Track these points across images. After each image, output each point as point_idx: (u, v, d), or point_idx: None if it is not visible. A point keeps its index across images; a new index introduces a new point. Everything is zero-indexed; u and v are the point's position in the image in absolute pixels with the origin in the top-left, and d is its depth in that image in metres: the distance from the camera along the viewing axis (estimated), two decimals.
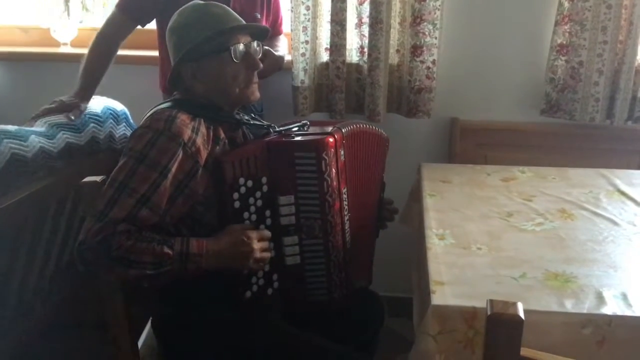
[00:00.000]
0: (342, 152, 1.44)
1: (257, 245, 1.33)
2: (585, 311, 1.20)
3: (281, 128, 1.49)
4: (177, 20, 1.43)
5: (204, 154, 1.33)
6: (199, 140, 1.33)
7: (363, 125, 1.57)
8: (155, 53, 2.07)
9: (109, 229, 1.21)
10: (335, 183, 1.41)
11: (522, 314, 0.84)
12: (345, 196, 1.45)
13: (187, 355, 1.43)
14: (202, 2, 1.46)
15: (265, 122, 1.52)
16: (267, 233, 1.38)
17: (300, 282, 1.44)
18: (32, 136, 1.53)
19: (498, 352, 0.85)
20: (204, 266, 1.29)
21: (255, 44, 1.44)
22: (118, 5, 1.90)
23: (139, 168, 1.26)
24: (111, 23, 1.90)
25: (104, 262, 1.21)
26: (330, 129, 1.45)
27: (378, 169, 1.63)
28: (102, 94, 1.87)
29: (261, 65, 1.44)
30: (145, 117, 1.38)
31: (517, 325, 0.84)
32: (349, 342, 1.49)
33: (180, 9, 1.44)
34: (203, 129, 1.35)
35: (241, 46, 1.40)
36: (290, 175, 1.39)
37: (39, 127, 1.62)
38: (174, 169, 1.28)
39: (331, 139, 1.41)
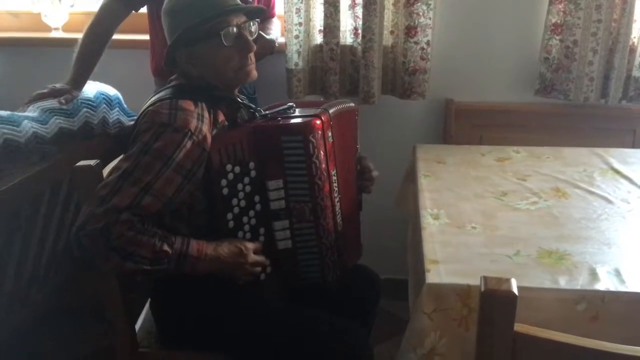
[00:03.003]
0: (329, 134, 1.42)
1: (252, 258, 1.35)
2: (578, 287, 1.21)
3: (267, 112, 1.47)
4: (168, 3, 1.42)
5: (209, 140, 1.33)
6: (205, 128, 1.32)
7: (343, 104, 1.55)
8: (146, 37, 2.06)
9: (112, 216, 1.19)
10: (324, 165, 1.39)
11: (515, 290, 0.84)
12: (334, 178, 1.45)
13: (185, 339, 1.43)
14: None
15: (252, 105, 1.50)
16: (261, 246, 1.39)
17: (293, 266, 1.44)
18: (25, 121, 1.53)
19: (492, 327, 0.85)
20: (200, 269, 1.30)
21: (250, 24, 1.42)
22: None
23: (143, 158, 1.25)
24: (104, 10, 1.88)
25: (102, 250, 1.20)
26: (317, 110, 1.43)
27: (355, 144, 1.63)
28: (93, 79, 1.86)
29: (254, 46, 1.42)
30: (147, 107, 1.37)
31: (510, 301, 0.84)
32: (346, 316, 1.50)
33: None
34: (206, 114, 1.35)
35: (233, 29, 1.38)
36: (277, 159, 1.38)
37: (32, 112, 1.61)
38: (179, 159, 1.27)
39: (318, 121, 1.39)
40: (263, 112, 1.47)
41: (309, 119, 1.40)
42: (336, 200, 1.46)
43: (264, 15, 1.51)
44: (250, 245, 1.36)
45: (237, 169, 1.34)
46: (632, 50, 2.11)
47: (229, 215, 1.35)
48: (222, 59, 1.38)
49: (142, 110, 1.39)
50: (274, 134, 1.38)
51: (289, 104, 1.48)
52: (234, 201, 1.35)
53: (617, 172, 1.82)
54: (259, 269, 1.39)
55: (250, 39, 1.41)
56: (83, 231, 1.19)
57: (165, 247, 1.24)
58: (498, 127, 2.27)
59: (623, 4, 2.05)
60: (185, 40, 1.37)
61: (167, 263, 1.25)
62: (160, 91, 1.42)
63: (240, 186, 1.36)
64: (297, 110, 1.47)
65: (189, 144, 1.28)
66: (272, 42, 2.02)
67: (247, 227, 1.39)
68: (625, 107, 2.20)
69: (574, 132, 2.22)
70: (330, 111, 1.45)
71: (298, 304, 1.46)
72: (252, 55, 1.43)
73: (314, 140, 1.37)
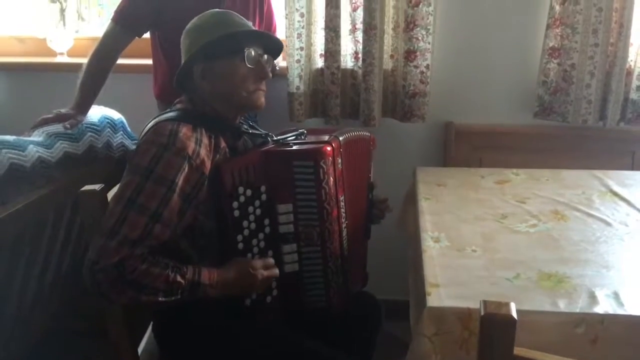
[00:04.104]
0: (339, 161, 1.46)
1: (261, 274, 1.36)
2: (578, 310, 1.22)
3: (279, 137, 1.50)
4: (194, 22, 1.45)
5: (208, 164, 1.34)
6: (203, 152, 1.33)
7: (357, 132, 1.59)
8: (149, 61, 2.09)
9: (126, 250, 1.20)
10: (333, 191, 1.42)
11: (514, 314, 0.85)
12: (342, 204, 1.47)
13: None
14: (221, 10, 1.48)
15: (263, 131, 1.53)
16: (271, 261, 1.40)
17: (299, 290, 1.45)
18: (31, 146, 1.55)
19: (492, 351, 0.86)
20: (212, 295, 1.31)
21: (265, 57, 1.45)
22: (114, 19, 1.91)
23: (146, 184, 1.25)
24: (108, 36, 1.91)
25: (117, 284, 1.21)
26: (327, 137, 1.47)
27: (367, 172, 1.66)
28: (97, 103, 1.88)
29: (270, 75, 1.46)
30: (147, 129, 1.38)
31: (510, 325, 0.85)
32: (347, 344, 1.50)
33: (200, 14, 1.46)
34: (205, 139, 1.36)
35: (256, 53, 1.42)
36: (288, 183, 1.40)
37: (37, 136, 1.63)
38: (180, 183, 1.28)
39: (329, 148, 1.42)
40: (275, 138, 1.50)
41: (320, 145, 1.43)
42: (343, 225, 1.48)
43: (280, 53, 1.55)
44: (257, 264, 1.36)
45: (249, 191, 1.37)
46: (629, 73, 2.14)
47: (239, 237, 1.37)
48: (240, 78, 1.40)
49: (144, 128, 1.40)
50: (285, 158, 1.41)
51: (300, 130, 1.52)
52: (245, 223, 1.37)
53: (616, 194, 1.84)
54: (270, 282, 1.40)
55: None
56: (97, 266, 1.19)
57: (179, 278, 1.25)
58: (498, 149, 2.29)
59: (619, 27, 2.08)
60: (207, 54, 1.39)
61: (181, 293, 1.27)
62: (164, 113, 1.44)
63: (251, 209, 1.38)
64: (308, 136, 1.51)
65: (187, 168, 1.29)
66: (272, 65, 2.05)
67: (255, 250, 1.40)
68: (623, 130, 2.22)
69: (572, 154, 2.25)
70: (341, 138, 1.49)
71: (299, 332, 1.45)
72: (264, 83, 1.46)
73: (324, 166, 1.40)
